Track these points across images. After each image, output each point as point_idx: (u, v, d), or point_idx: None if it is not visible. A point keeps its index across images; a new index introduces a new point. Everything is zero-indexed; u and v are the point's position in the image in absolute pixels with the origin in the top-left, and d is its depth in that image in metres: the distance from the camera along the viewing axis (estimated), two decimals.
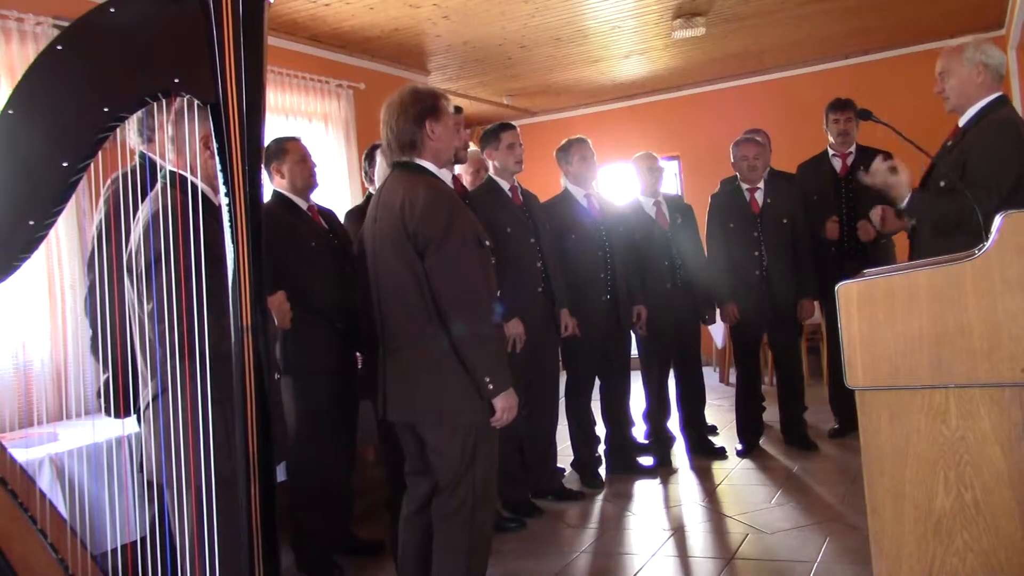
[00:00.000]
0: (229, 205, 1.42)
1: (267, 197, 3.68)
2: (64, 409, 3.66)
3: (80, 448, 3.05)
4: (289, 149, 3.61)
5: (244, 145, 1.42)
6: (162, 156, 2.29)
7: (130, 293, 2.19)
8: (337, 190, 5.66)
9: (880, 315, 1.99)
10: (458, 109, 3.81)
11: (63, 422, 3.44)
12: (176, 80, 1.41)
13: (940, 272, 1.87)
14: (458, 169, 4.95)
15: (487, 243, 2.65)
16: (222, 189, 1.42)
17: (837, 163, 4.90)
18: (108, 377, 2.66)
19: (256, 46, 1.45)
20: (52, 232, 3.61)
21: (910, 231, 3.21)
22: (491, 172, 4.32)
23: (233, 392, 2.10)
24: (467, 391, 2.49)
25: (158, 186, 2.21)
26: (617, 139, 8.61)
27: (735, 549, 3.49)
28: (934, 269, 1.89)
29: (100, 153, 1.79)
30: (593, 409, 4.73)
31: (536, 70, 7.15)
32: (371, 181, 4.04)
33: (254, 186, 1.44)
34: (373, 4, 5.04)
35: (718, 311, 4.96)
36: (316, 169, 3.70)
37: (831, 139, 4.93)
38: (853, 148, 4.85)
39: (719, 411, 5.95)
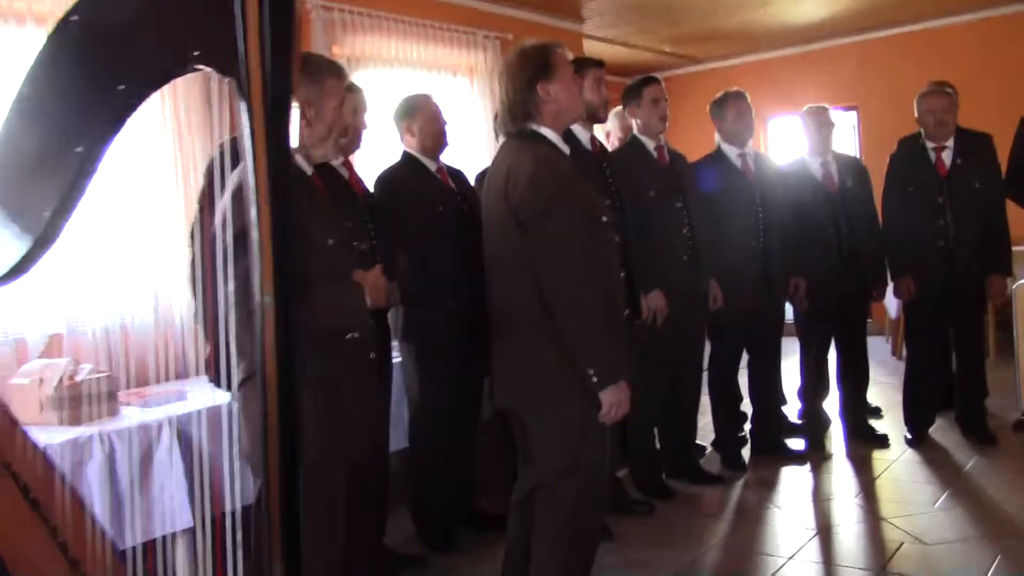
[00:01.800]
0: (254, 181, 1.24)
1: (397, 157, 3.59)
2: (199, 366, 3.73)
3: (201, 410, 3.07)
4: (420, 106, 3.48)
5: (268, 120, 1.23)
6: None
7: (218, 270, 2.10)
8: (481, 147, 5.49)
9: None
10: (598, 63, 3.55)
11: (197, 379, 3.49)
12: (196, 53, 1.24)
13: None
14: (608, 126, 4.70)
15: (604, 218, 2.39)
16: (248, 164, 1.25)
17: None
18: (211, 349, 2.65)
19: (285, 16, 1.25)
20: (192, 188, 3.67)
21: None
22: (635, 130, 4.01)
23: (321, 376, 2.01)
24: (572, 383, 2.28)
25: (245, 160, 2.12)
26: (789, 89, 7.96)
27: (887, 559, 3.11)
28: None
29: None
30: (742, 384, 4.41)
31: (699, 15, 6.65)
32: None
33: (278, 159, 1.26)
34: None
35: (891, 285, 4.45)
36: (447, 127, 3.55)
37: None
38: None
39: (887, 390, 5.41)
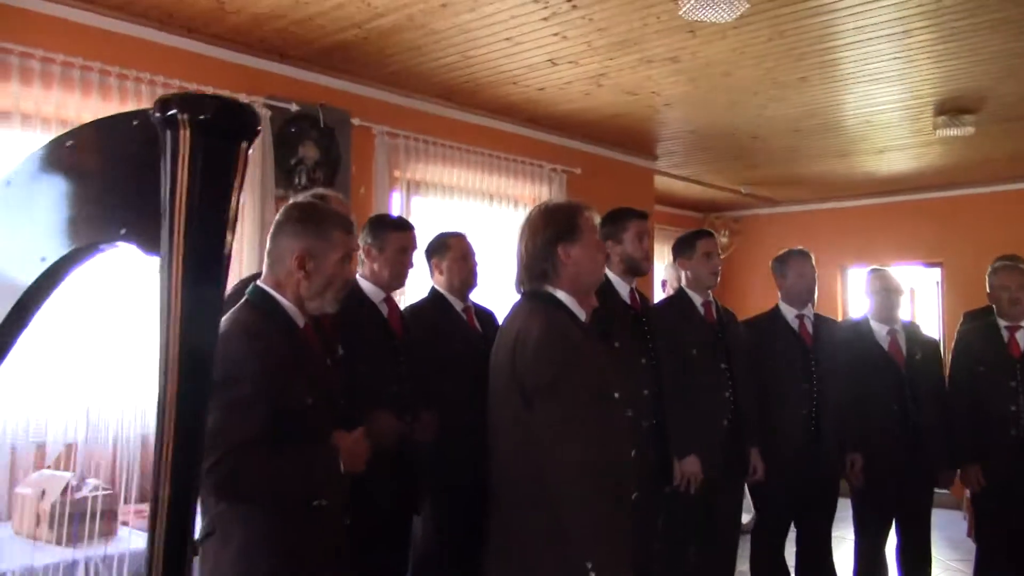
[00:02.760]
0: (163, 364, 1.16)
1: (424, 292, 3.53)
2: None
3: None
4: (451, 246, 3.44)
5: (185, 306, 1.15)
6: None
7: None
8: None
9: None
10: (641, 214, 3.44)
11: None
12: (123, 231, 1.17)
13: None
14: (665, 275, 4.55)
15: (616, 395, 2.23)
16: (158, 345, 1.16)
17: None
18: None
19: (222, 195, 1.17)
20: None
21: None
22: (683, 283, 3.85)
23: (281, 544, 1.88)
24: (568, 569, 2.07)
25: (244, 299, 2.05)
26: (869, 239, 7.72)
27: None
28: None
29: None
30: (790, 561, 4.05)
31: (774, 161, 6.55)
32: None
33: (192, 353, 1.16)
34: (588, 90, 4.79)
35: (958, 472, 4.07)
36: (478, 267, 3.49)
37: None
38: None
39: None
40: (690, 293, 3.79)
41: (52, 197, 1.18)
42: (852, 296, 8.03)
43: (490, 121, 5.29)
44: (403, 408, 3.03)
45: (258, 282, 2.05)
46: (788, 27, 3.75)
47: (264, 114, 4.10)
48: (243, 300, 2.03)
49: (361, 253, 3.07)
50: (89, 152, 1.17)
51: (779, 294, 4.15)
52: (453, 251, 3.39)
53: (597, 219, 2.42)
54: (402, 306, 3.48)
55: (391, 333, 3.14)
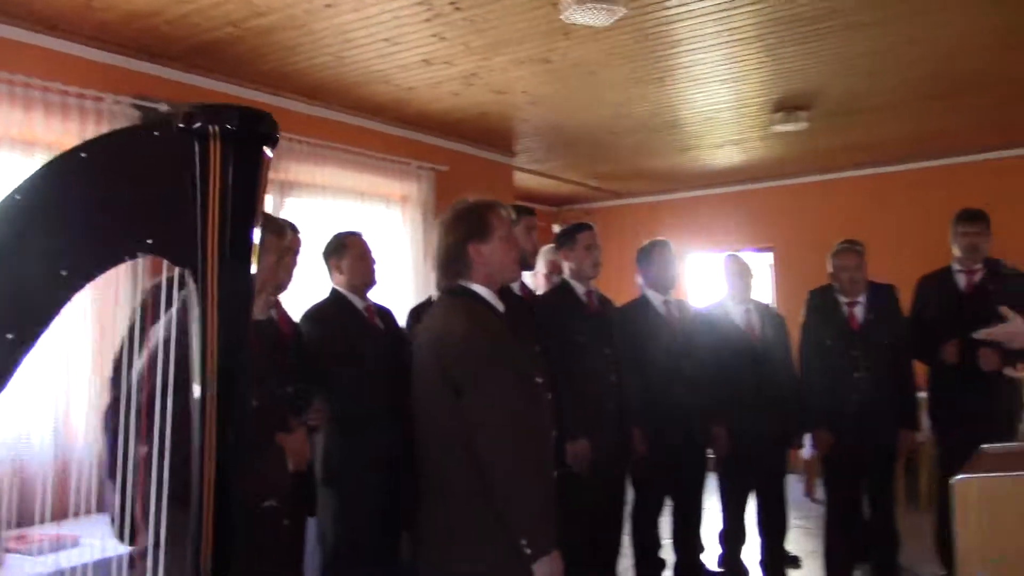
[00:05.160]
0: (202, 384, 1.18)
1: (325, 294, 3.54)
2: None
3: (87, 563, 2.80)
4: (349, 244, 3.47)
5: (220, 317, 1.18)
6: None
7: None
8: (409, 278, 5.47)
9: (1010, 523, 1.63)
10: (530, 211, 3.60)
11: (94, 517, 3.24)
12: (150, 241, 1.18)
13: None
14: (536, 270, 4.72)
15: (539, 379, 2.36)
16: (195, 369, 1.18)
17: (961, 279, 4.34)
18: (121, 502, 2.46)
19: (251, 204, 1.22)
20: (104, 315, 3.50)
21: None
22: (566, 274, 4.05)
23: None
24: (504, 553, 2.18)
25: (174, 307, 2.02)
26: (709, 227, 8.27)
27: None
28: None
29: None
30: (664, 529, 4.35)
31: (625, 156, 6.91)
32: None
33: (231, 363, 1.20)
34: (458, 91, 4.89)
35: (808, 436, 4.52)
36: (376, 266, 3.53)
37: (957, 252, 4.36)
38: (981, 263, 4.30)
39: (802, 536, 5.42)
40: (573, 283, 3.99)
41: (68, 210, 1.16)
42: (691, 280, 8.56)
43: (360, 120, 5.29)
44: (297, 409, 3.04)
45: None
46: (654, 31, 4.01)
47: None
48: (176, 307, 2.00)
49: None
50: (107, 164, 1.17)
51: (643, 282, 4.43)
52: (352, 250, 3.43)
53: (511, 215, 2.53)
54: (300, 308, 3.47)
55: (280, 334, 3.13)
